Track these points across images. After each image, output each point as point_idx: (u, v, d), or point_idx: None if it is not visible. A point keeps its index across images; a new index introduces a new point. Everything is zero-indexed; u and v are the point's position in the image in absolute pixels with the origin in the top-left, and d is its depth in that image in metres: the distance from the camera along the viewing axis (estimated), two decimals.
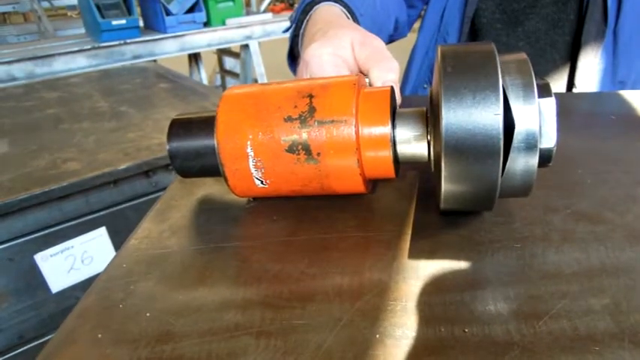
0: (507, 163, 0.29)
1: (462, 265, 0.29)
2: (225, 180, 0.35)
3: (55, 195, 0.92)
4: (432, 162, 0.33)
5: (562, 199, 0.35)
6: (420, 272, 0.29)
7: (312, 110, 0.33)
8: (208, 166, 0.36)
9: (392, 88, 0.35)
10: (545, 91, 0.30)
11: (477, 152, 0.28)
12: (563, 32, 0.70)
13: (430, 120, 0.33)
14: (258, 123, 0.34)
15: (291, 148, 0.33)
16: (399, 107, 0.37)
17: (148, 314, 0.26)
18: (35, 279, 0.97)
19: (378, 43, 0.45)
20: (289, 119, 0.33)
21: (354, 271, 0.29)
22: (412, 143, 0.33)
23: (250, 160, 0.34)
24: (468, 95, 0.28)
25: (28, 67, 1.96)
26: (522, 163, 0.29)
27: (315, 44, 0.44)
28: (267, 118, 0.34)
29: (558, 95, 0.69)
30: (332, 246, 0.32)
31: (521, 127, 0.28)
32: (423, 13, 0.81)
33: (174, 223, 0.36)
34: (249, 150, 0.34)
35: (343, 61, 0.44)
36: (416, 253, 0.31)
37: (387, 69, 0.42)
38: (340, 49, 0.44)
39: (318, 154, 0.33)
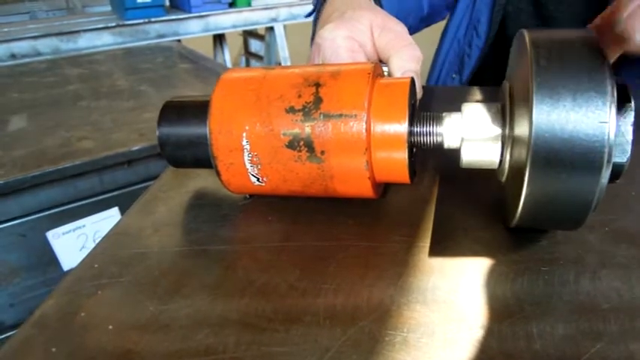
0: None
1: (477, 289, 0.25)
2: (218, 174, 0.32)
3: (68, 173, 0.91)
4: (506, 171, 0.29)
5: (600, 215, 0.31)
6: (428, 295, 0.25)
7: (318, 101, 0.29)
8: (201, 157, 0.32)
9: (412, 79, 0.31)
10: (622, 93, 0.25)
11: (572, 166, 0.23)
12: None
13: (508, 120, 0.28)
14: (256, 112, 0.30)
15: (292, 144, 0.29)
16: (420, 100, 0.32)
17: (110, 327, 0.23)
18: (47, 256, 0.97)
19: (400, 28, 0.40)
20: (291, 110, 0.29)
21: (350, 290, 0.25)
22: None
23: (246, 154, 0.30)
24: (567, 96, 0.23)
25: (54, 43, 1.96)
26: None
27: (329, 25, 0.40)
28: (266, 108, 0.30)
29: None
30: (329, 256, 0.28)
31: None
32: None
33: (158, 218, 0.32)
34: (244, 142, 0.30)
35: (360, 46, 0.39)
36: (425, 271, 0.26)
37: (408, 57, 0.37)
38: (357, 32, 0.40)
39: (322, 152, 0.29)
